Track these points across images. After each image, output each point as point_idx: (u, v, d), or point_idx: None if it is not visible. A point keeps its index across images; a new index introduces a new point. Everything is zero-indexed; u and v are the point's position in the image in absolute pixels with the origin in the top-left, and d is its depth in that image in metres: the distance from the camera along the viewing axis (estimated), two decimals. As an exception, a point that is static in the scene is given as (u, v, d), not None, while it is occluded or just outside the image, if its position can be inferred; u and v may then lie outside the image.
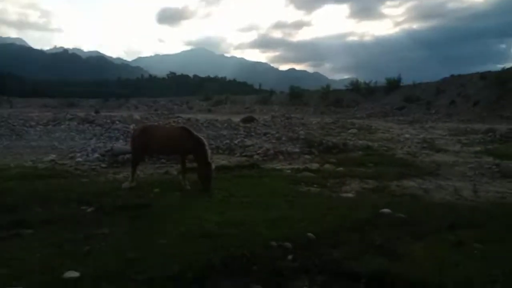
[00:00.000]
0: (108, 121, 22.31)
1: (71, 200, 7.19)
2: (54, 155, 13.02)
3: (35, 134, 18.93)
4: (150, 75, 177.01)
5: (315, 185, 9.14)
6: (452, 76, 51.28)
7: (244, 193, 7.93)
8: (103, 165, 11.76)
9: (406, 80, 54.64)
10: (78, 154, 13.05)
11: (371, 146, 15.92)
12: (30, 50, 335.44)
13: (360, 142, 16.58)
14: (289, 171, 10.82)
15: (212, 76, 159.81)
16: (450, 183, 9.83)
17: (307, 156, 13.67)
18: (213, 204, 7.20)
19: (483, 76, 45.92)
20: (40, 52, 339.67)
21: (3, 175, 9.53)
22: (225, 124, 19.07)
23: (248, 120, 23.28)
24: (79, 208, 6.79)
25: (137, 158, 9.02)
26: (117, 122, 21.21)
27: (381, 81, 56.20)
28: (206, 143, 8.46)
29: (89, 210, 6.67)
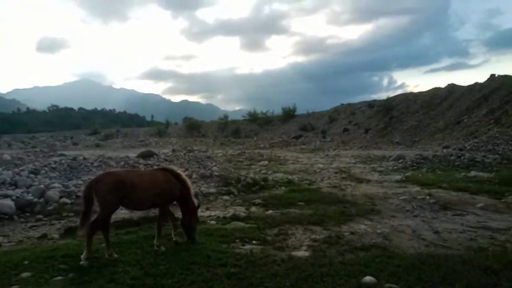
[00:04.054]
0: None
1: None
2: None
3: None
4: (28, 109, 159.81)
5: (254, 241, 7.04)
6: (342, 105, 53.95)
7: (165, 268, 5.48)
8: None
9: (299, 110, 56.22)
10: None
11: (291, 180, 14.44)
12: None
13: (279, 175, 14.99)
14: (214, 222, 8.54)
15: (99, 108, 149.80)
16: (401, 222, 8.56)
17: (226, 197, 11.57)
18: (120, 295, 4.67)
19: (371, 105, 48.98)
20: None
21: None
22: (122, 162, 16.12)
23: (147, 155, 20.44)
24: None
25: (106, 219, 6.15)
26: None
27: (276, 111, 57.15)
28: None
29: None
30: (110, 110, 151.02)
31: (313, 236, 7.41)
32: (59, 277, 5.28)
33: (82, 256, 5.81)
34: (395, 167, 18.00)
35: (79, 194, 11.28)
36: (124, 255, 6.10)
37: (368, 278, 4.93)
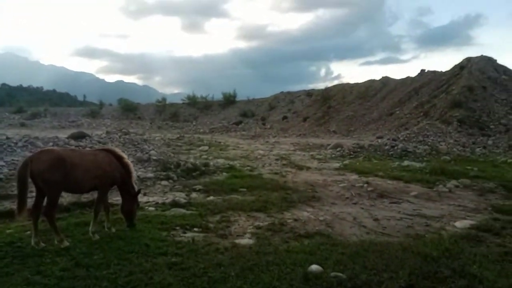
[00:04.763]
0: None
1: None
2: None
3: None
4: None
5: (195, 229, 6.74)
6: (282, 92, 54.45)
7: (99, 258, 5.05)
8: None
9: (239, 96, 55.88)
10: None
11: (233, 165, 14.23)
12: None
13: (220, 161, 14.72)
14: (153, 208, 8.11)
15: (25, 85, 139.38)
16: (342, 209, 8.66)
17: (164, 183, 11.08)
18: (46, 289, 4.20)
19: (309, 93, 49.91)
20: None
21: None
22: (50, 143, 14.92)
23: (79, 136, 19.16)
24: None
25: (56, 202, 5.76)
26: None
27: (216, 96, 56.39)
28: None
29: None
30: (37, 88, 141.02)
31: (256, 223, 7.27)
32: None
33: (32, 240, 5.46)
34: (333, 155, 18.41)
35: (1, 176, 10.28)
36: (52, 244, 5.55)
37: (314, 267, 4.84)
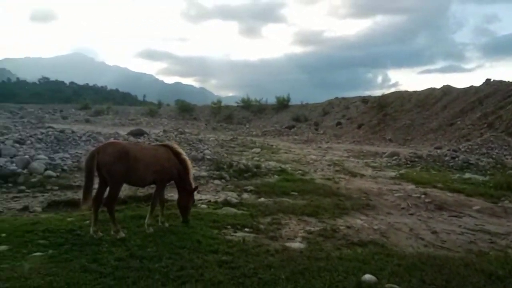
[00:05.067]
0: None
1: None
2: None
3: None
4: (18, 79, 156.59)
5: (246, 229, 6.73)
6: (336, 98, 53.65)
7: (152, 251, 5.16)
8: None
9: (292, 101, 55.76)
10: None
11: (284, 169, 14.11)
12: None
13: (272, 164, 14.67)
14: (205, 206, 8.22)
15: (91, 84, 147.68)
16: (397, 220, 8.30)
17: (217, 182, 11.21)
18: (101, 277, 4.33)
19: (365, 100, 48.74)
20: None
21: None
22: (111, 139, 15.65)
23: (138, 133, 19.98)
24: None
25: (117, 193, 6.03)
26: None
27: (270, 100, 56.70)
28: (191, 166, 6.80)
29: None
30: (102, 87, 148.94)
31: (307, 228, 7.13)
32: (38, 253, 4.95)
33: (91, 229, 5.70)
34: (388, 164, 17.78)
35: (65, 167, 10.86)
36: (109, 234, 5.76)
37: (368, 277, 4.65)
